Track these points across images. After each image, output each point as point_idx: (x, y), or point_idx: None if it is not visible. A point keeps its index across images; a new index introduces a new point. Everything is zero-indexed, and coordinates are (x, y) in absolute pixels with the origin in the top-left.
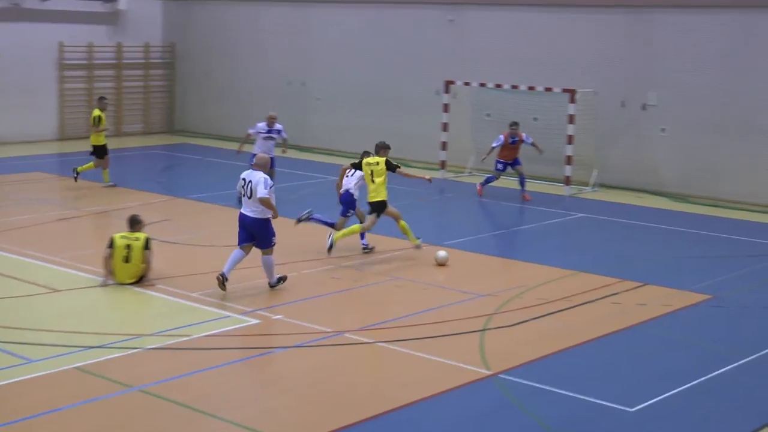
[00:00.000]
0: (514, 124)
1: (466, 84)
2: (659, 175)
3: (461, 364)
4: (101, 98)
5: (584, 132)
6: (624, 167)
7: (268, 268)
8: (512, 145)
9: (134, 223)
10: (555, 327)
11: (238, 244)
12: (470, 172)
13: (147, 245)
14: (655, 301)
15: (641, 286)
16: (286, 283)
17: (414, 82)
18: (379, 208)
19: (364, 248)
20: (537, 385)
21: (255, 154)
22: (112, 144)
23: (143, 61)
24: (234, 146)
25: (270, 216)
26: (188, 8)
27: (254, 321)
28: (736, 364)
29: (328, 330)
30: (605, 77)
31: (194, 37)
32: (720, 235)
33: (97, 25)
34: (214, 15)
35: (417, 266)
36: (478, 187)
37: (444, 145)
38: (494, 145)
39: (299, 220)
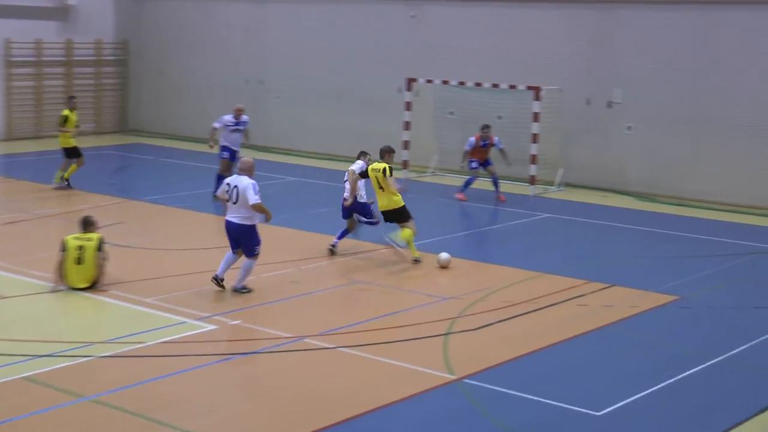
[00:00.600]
0: (486, 126)
1: (429, 81)
2: (625, 174)
3: (424, 369)
4: (70, 97)
5: (549, 130)
6: (590, 166)
7: (245, 271)
8: (483, 148)
9: (87, 224)
10: (520, 330)
11: (232, 250)
12: (433, 172)
13: (100, 247)
14: (622, 302)
15: (608, 287)
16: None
17: (375, 80)
18: (398, 216)
19: (332, 246)
20: (502, 389)
21: (225, 147)
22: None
23: (95, 58)
24: (190, 146)
25: (256, 222)
26: (142, 3)
27: (211, 327)
28: (703, 366)
29: (288, 335)
30: (570, 74)
31: (148, 34)
32: (686, 234)
33: (46, 21)
34: (168, 11)
35: (379, 269)
36: (460, 195)
37: (406, 144)
38: (466, 148)
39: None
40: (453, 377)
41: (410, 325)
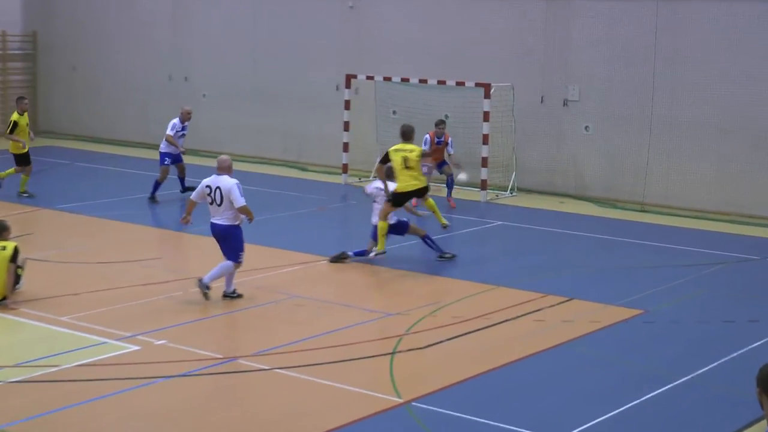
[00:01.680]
0: (441, 122)
1: (369, 78)
2: (583, 178)
3: (369, 392)
4: (20, 98)
5: (501, 131)
6: (545, 169)
7: (221, 270)
8: (438, 145)
9: (1, 230)
10: (472, 348)
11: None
12: (375, 177)
13: (14, 256)
14: (582, 317)
15: (566, 301)
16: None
17: (311, 77)
18: (423, 191)
19: (344, 256)
20: (453, 413)
21: (168, 153)
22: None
23: None
24: (108, 149)
25: (239, 223)
26: None
27: (134, 347)
28: (669, 386)
29: (219, 356)
30: (522, 70)
31: (60, 26)
32: (650, 243)
33: None
34: (82, 0)
35: (317, 282)
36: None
37: (346, 147)
38: (424, 148)
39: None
40: (400, 400)
41: (353, 343)
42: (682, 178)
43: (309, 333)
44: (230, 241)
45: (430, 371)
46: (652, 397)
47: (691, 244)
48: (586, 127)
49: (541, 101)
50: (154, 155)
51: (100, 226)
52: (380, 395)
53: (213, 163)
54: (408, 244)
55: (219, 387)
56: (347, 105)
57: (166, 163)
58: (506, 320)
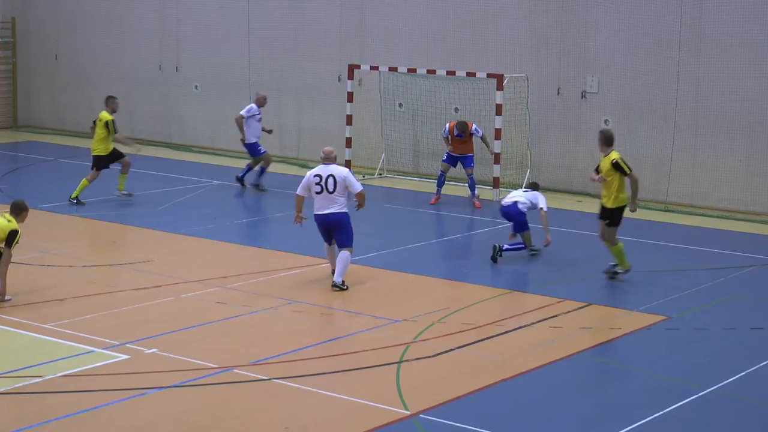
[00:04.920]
0: (463, 128)
1: (374, 68)
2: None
3: (374, 403)
4: (110, 97)
5: (514, 125)
6: (561, 166)
7: (345, 263)
8: (459, 138)
9: (20, 209)
10: (484, 357)
11: (328, 243)
12: (381, 174)
13: (11, 239)
14: (601, 324)
15: (584, 306)
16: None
17: (311, 67)
18: (612, 216)
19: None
20: (463, 425)
21: (256, 142)
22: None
23: None
24: (90, 144)
25: (347, 210)
26: None
27: (123, 356)
28: (694, 397)
29: (213, 365)
30: (537, 60)
31: (40, 12)
32: (674, 244)
33: None
34: None
35: (318, 287)
36: (434, 199)
37: (348, 142)
38: (443, 134)
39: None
40: (408, 412)
41: (357, 352)
42: (708, 176)
43: (310, 341)
44: (346, 228)
45: (439, 381)
46: (675, 409)
47: (717, 245)
48: (606, 121)
49: (558, 93)
50: (143, 150)
51: (85, 226)
52: (386, 407)
53: (204, 159)
54: (412, 246)
55: (213, 399)
56: (350, 97)
57: (261, 152)
58: (520, 327)
